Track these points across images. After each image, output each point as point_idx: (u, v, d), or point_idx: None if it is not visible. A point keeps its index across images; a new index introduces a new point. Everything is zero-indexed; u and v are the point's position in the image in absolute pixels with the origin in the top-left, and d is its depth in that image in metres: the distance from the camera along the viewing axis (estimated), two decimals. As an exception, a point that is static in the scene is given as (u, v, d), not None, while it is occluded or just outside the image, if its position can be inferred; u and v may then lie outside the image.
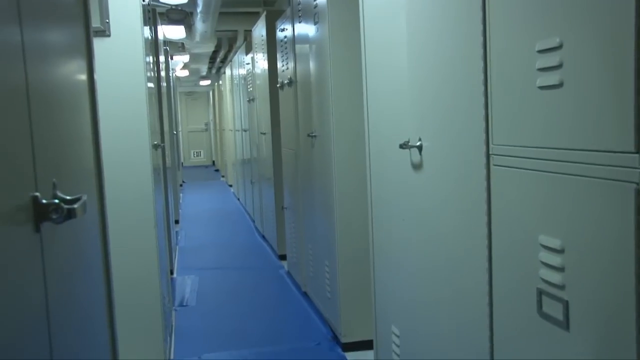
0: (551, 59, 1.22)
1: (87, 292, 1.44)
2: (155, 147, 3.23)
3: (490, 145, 1.51)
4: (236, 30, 9.26)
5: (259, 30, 5.69)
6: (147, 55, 2.98)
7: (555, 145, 1.23)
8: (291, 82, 4.25)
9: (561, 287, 1.22)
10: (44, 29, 1.20)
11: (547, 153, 1.26)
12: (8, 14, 0.94)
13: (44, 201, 0.97)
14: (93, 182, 1.59)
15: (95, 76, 1.74)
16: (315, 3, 3.39)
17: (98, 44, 2.52)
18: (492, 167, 1.50)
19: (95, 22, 2.52)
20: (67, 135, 1.36)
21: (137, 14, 2.85)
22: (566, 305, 1.20)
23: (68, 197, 1.07)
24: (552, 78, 1.22)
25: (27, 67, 1.00)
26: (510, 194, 1.43)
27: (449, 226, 1.78)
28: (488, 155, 1.52)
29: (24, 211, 0.91)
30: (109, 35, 2.75)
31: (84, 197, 1.09)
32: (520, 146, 1.37)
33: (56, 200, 0.99)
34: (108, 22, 2.72)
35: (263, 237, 6.63)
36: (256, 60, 6.09)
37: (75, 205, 1.00)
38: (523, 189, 1.37)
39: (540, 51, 1.26)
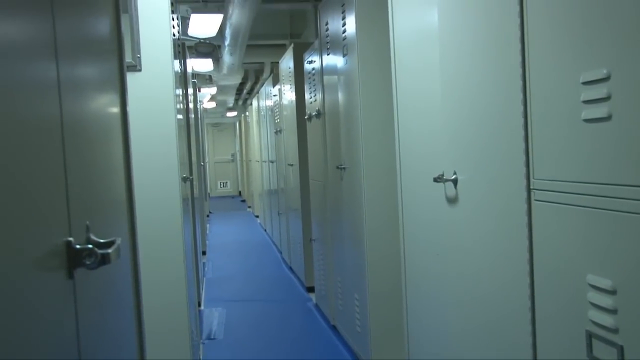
0: (598, 91, 1.17)
1: (118, 330, 1.41)
2: (184, 179, 3.22)
3: (531, 180, 1.45)
4: (263, 63, 9.34)
5: (287, 62, 5.73)
6: (176, 88, 3.00)
7: (603, 180, 1.18)
8: (319, 114, 4.24)
9: (614, 331, 1.15)
10: (79, 64, 1.19)
11: (594, 189, 1.21)
12: (45, 51, 0.93)
13: (77, 246, 0.95)
14: (125, 217, 1.58)
15: (128, 110, 1.73)
16: (344, 35, 3.39)
17: (129, 78, 2.54)
18: (533, 202, 1.45)
19: (127, 57, 2.54)
20: (100, 172, 1.35)
21: (168, 49, 2.87)
22: (621, 350, 1.13)
23: (102, 241, 1.04)
24: (599, 111, 1.18)
25: (62, 102, 0.99)
26: (553, 230, 1.37)
27: (486, 262, 1.72)
28: (529, 190, 1.46)
29: (57, 257, 0.88)
30: (140, 70, 2.77)
31: (118, 241, 1.06)
32: (565, 181, 1.31)
33: (90, 246, 0.96)
34: (139, 57, 2.75)
35: (290, 268, 6.58)
36: (283, 91, 6.12)
37: (110, 250, 0.97)
38: (568, 226, 1.31)
39: (585, 83, 1.21)
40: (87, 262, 0.95)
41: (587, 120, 1.22)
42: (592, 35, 1.20)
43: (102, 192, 1.33)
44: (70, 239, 0.94)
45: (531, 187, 1.46)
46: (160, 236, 2.92)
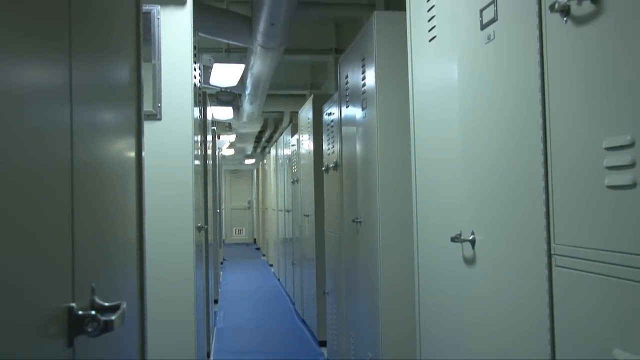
0: (622, 158, 1.14)
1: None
2: (198, 229, 3.20)
3: (552, 245, 1.41)
4: (282, 112, 9.44)
5: (306, 113, 5.76)
6: (195, 135, 3.01)
7: (628, 249, 1.13)
8: (337, 166, 4.23)
9: (641, 411, 1.08)
10: (94, 110, 1.19)
11: (619, 257, 1.16)
12: (60, 96, 0.92)
13: (80, 312, 0.90)
14: (135, 274, 1.54)
15: (144, 156, 1.72)
16: (363, 89, 3.40)
17: (149, 126, 2.55)
18: (554, 268, 1.40)
19: (147, 106, 2.56)
20: (110, 224, 1.32)
21: (189, 97, 2.90)
22: None
23: (106, 304, 1.00)
24: (623, 177, 1.14)
25: (74, 150, 0.97)
26: (576, 299, 1.32)
27: (504, 329, 1.66)
28: (550, 255, 1.42)
29: (58, 324, 0.84)
30: (160, 119, 2.79)
31: (123, 306, 1.01)
32: (587, 248, 1.27)
33: (93, 312, 0.91)
34: (160, 106, 2.77)
35: (303, 321, 6.47)
36: (301, 141, 6.14)
37: (113, 317, 0.92)
38: (591, 295, 1.26)
39: (608, 148, 1.18)
40: (89, 330, 0.90)
41: (610, 187, 1.18)
42: (615, 100, 1.17)
43: (111, 246, 1.30)
44: (73, 304, 0.90)
45: (552, 252, 1.41)
46: (171, 284, 2.88)
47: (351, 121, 3.79)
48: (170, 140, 2.84)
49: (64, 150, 0.94)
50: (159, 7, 2.77)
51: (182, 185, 2.87)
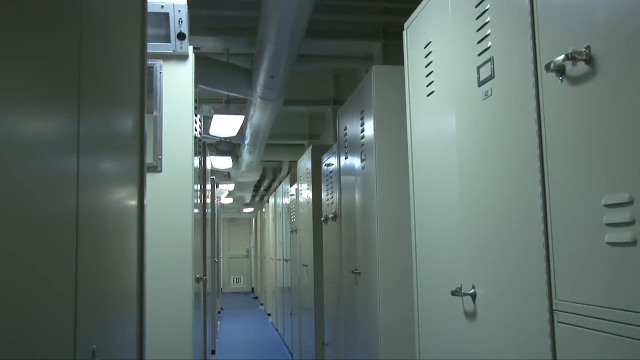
0: (621, 215, 1.15)
1: None
2: (197, 280, 3.18)
3: (554, 300, 1.40)
4: (281, 161, 9.50)
5: (305, 163, 5.80)
6: (194, 185, 3.03)
7: (630, 307, 1.13)
8: (335, 217, 4.23)
9: None
10: (100, 160, 1.20)
11: (621, 315, 1.16)
12: (68, 146, 0.94)
13: None
14: (134, 327, 1.53)
15: (146, 207, 1.73)
16: (362, 141, 3.44)
17: (148, 178, 2.56)
18: (556, 324, 1.39)
19: (148, 158, 2.58)
20: (112, 279, 1.32)
21: (189, 150, 2.92)
22: None
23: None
24: (623, 235, 1.15)
25: (79, 199, 0.98)
26: (579, 356, 1.31)
27: (508, 384, 1.64)
28: (552, 311, 1.41)
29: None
30: (160, 171, 2.81)
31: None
32: (589, 304, 1.26)
33: None
34: (160, 158, 2.79)
35: (301, 372, 6.36)
36: (300, 191, 6.16)
37: None
38: (595, 353, 1.25)
39: (607, 205, 1.19)
40: None
41: (611, 244, 1.18)
42: (613, 158, 1.19)
43: (112, 298, 1.30)
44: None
45: (554, 307, 1.41)
46: (169, 336, 2.84)
47: (350, 171, 3.81)
48: (170, 192, 2.85)
49: (70, 200, 0.95)
50: (162, 61, 2.83)
51: (181, 237, 2.87)
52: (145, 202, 1.74)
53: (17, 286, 0.70)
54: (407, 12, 2.55)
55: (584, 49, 1.26)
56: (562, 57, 1.30)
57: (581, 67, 1.28)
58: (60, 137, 0.92)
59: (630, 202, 1.13)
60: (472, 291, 1.85)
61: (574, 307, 1.32)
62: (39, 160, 0.81)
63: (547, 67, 1.36)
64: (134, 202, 1.65)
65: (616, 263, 1.17)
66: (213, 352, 7.46)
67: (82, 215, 1.00)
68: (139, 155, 1.74)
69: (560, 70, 1.34)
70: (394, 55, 4.48)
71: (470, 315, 1.87)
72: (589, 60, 1.25)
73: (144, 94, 1.78)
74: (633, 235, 1.12)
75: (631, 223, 1.13)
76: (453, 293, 1.92)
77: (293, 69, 4.35)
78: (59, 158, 0.92)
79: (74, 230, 0.97)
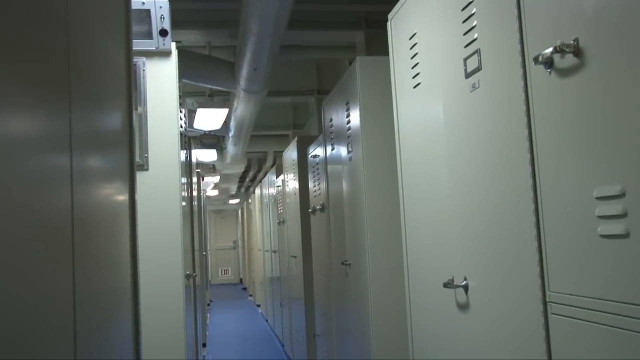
0: (613, 207, 1.16)
1: None
2: (187, 276, 3.17)
3: (547, 292, 1.41)
4: (266, 152, 9.47)
5: (290, 154, 5.78)
6: (181, 180, 3.00)
7: (624, 299, 1.14)
8: (323, 208, 4.23)
9: None
10: (91, 157, 1.20)
11: (615, 307, 1.17)
12: (61, 145, 0.94)
13: None
14: (129, 323, 1.52)
15: (137, 202, 1.71)
16: (349, 132, 3.43)
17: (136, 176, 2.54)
18: (550, 315, 1.40)
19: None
20: (107, 276, 1.31)
21: (175, 146, 2.90)
22: None
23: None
24: (615, 227, 1.15)
25: (74, 198, 0.97)
26: (574, 348, 1.31)
27: (503, 375, 1.65)
28: (545, 303, 1.42)
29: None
30: (147, 169, 2.78)
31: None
32: (582, 296, 1.27)
33: None
34: (147, 157, 2.76)
35: (293, 363, 6.38)
36: (287, 182, 6.15)
37: None
38: (589, 345, 1.26)
39: (599, 198, 1.20)
40: None
41: (603, 236, 1.19)
42: (604, 150, 1.19)
43: (107, 295, 1.29)
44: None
45: (547, 299, 1.41)
46: (160, 331, 2.83)
47: (337, 162, 3.80)
48: (157, 190, 2.83)
49: (65, 198, 0.95)
50: (145, 58, 2.79)
51: (170, 235, 2.85)
52: (136, 197, 1.72)
53: (11, 286, 0.69)
54: (389, 0, 2.53)
55: (572, 41, 1.26)
56: (550, 49, 1.30)
57: (570, 60, 1.27)
58: (54, 135, 0.92)
59: (622, 195, 1.14)
60: (464, 283, 1.86)
61: (568, 299, 1.33)
62: (35, 159, 0.81)
63: (536, 60, 1.36)
64: (125, 199, 1.64)
65: (609, 255, 1.18)
66: (204, 345, 7.46)
67: (76, 213, 1.00)
68: (129, 151, 1.72)
69: (548, 63, 1.34)
70: (377, 44, 4.47)
71: (463, 307, 1.88)
72: (578, 52, 1.25)
73: (131, 89, 1.77)
74: (625, 227, 1.13)
75: (623, 215, 1.13)
76: (445, 285, 1.92)
77: (276, 60, 4.32)
78: (53, 156, 0.91)
79: (69, 228, 0.96)
